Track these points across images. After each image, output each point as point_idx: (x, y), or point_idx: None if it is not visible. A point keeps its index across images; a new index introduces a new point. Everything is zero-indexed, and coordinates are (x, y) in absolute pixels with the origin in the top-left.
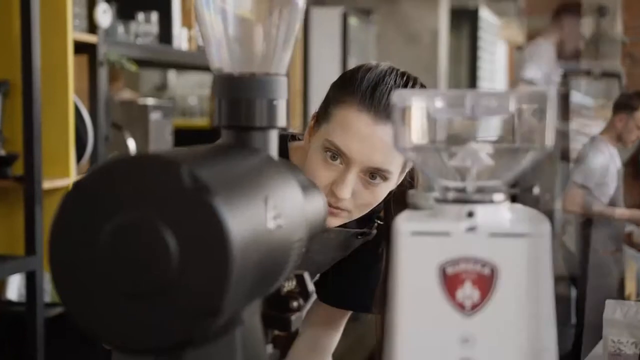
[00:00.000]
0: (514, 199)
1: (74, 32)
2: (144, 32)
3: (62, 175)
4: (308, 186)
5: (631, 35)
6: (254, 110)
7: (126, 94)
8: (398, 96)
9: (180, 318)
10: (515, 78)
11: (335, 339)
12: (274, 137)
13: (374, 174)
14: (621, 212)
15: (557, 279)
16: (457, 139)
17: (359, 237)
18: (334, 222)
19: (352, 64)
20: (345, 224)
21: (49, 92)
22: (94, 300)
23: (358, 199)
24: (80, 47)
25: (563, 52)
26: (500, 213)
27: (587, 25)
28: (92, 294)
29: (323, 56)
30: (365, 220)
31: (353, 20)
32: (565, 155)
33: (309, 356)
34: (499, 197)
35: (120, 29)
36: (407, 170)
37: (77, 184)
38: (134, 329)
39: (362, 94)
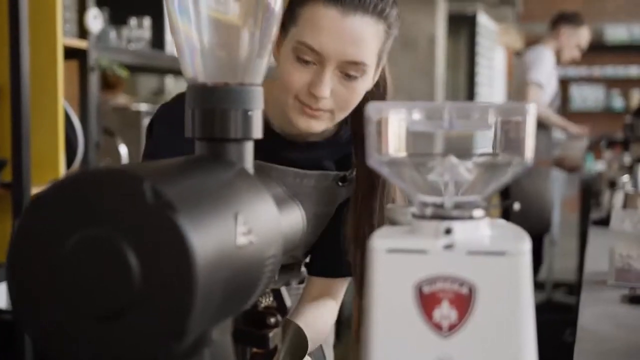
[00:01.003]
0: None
1: (65, 38)
2: (136, 37)
3: (52, 181)
4: (284, 199)
5: None
6: (229, 121)
7: (122, 99)
8: (373, 108)
9: (144, 340)
10: (517, 80)
11: (335, 310)
12: (249, 148)
13: (350, 69)
14: (557, 118)
15: None
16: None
17: (340, 183)
18: (317, 125)
19: None
20: (324, 167)
21: (39, 97)
22: (54, 319)
23: (337, 97)
24: (71, 53)
25: (560, 60)
26: (479, 230)
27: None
28: (52, 313)
29: None
30: (344, 163)
31: None
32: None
33: (308, 332)
34: (478, 212)
35: (113, 34)
36: (382, 65)
37: (37, 198)
38: (94, 351)
39: None
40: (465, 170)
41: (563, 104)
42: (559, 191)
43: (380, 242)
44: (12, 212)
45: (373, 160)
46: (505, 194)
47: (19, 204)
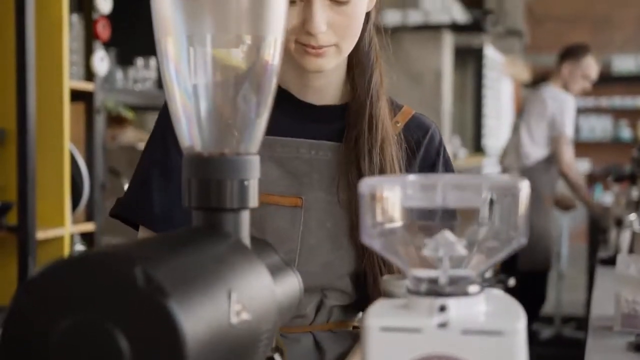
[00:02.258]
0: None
1: (71, 80)
2: (142, 78)
3: (57, 224)
4: (280, 267)
5: None
6: (225, 191)
7: (130, 134)
8: (365, 185)
9: None
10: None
11: None
12: (245, 218)
13: None
14: (582, 189)
15: None
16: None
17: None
18: (327, 62)
19: None
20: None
21: (45, 140)
22: None
23: (335, 27)
24: (78, 95)
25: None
26: (474, 306)
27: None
28: None
29: None
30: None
31: None
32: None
33: None
34: (473, 288)
35: (119, 74)
36: None
37: (28, 282)
38: None
39: None
40: (461, 246)
41: None
42: (566, 223)
43: (374, 320)
44: (18, 256)
45: (366, 235)
46: None
47: (25, 247)
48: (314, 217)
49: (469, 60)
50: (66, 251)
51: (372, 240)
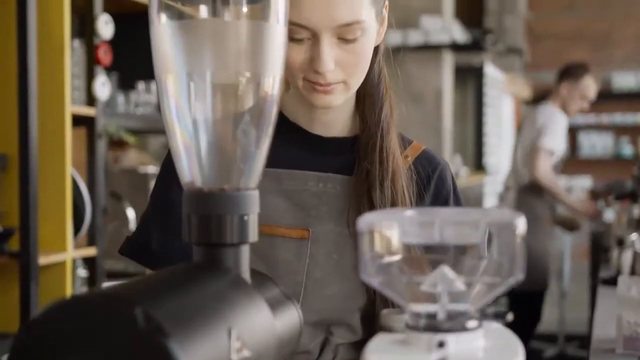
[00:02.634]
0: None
1: (73, 106)
2: (144, 102)
3: (59, 249)
4: (280, 301)
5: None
6: (225, 226)
7: (132, 155)
8: (364, 222)
9: None
10: (527, 137)
11: None
12: (245, 252)
13: (346, 33)
14: (565, 196)
15: None
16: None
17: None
18: (334, 99)
19: None
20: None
21: (47, 166)
22: None
23: (344, 65)
24: (79, 120)
25: (568, 113)
26: (473, 341)
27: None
28: None
29: None
30: None
31: None
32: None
33: None
34: (472, 324)
35: (121, 98)
36: (384, 13)
37: (30, 323)
38: None
39: None
40: (459, 281)
41: (572, 152)
42: (568, 241)
43: (373, 356)
44: (20, 281)
45: (364, 271)
46: None
47: (27, 272)
48: (322, 249)
49: (470, 79)
50: (68, 276)
51: (370, 277)
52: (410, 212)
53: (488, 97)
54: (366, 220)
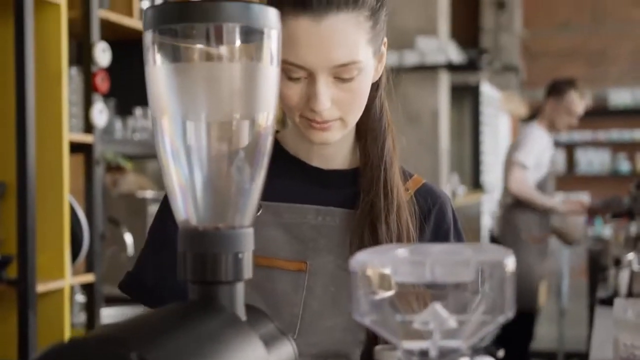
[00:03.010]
0: None
1: (71, 133)
2: (141, 127)
3: (57, 277)
4: (274, 336)
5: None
6: (220, 264)
7: (131, 179)
8: (356, 262)
9: None
10: (509, 158)
11: None
12: (240, 290)
13: (343, 73)
14: (542, 199)
15: None
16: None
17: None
18: (331, 135)
19: None
20: (352, 204)
21: (45, 193)
22: None
23: (340, 103)
24: (77, 147)
25: (557, 129)
26: None
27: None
28: None
29: None
30: None
31: None
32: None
33: None
34: None
35: (118, 124)
36: (382, 50)
37: None
38: None
39: None
40: (451, 319)
41: (569, 168)
42: (566, 259)
43: None
44: (18, 309)
45: (357, 310)
46: None
47: (25, 300)
48: (319, 282)
49: (466, 98)
50: (66, 303)
51: (363, 315)
52: (402, 251)
53: (484, 116)
54: (359, 259)
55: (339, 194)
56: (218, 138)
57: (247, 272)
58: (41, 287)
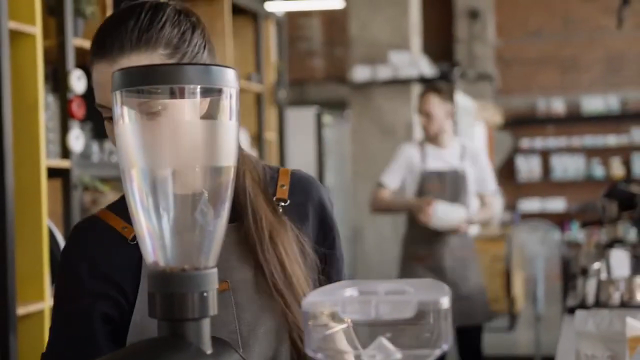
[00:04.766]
0: None
1: (48, 159)
2: None
3: (37, 299)
4: None
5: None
6: (186, 303)
7: (110, 197)
8: (307, 302)
9: None
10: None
11: None
12: (206, 325)
13: (149, 107)
14: (394, 201)
15: None
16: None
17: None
18: None
19: (328, 160)
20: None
21: (23, 218)
22: None
23: None
24: (54, 172)
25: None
26: None
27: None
28: None
29: (299, 154)
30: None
31: (327, 118)
32: None
33: None
34: None
35: (95, 147)
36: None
37: None
38: None
39: (95, 46)
40: (395, 351)
41: (545, 174)
42: (541, 265)
43: None
44: None
45: (309, 347)
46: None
47: (5, 324)
48: (245, 295)
49: None
50: (46, 325)
51: (315, 351)
52: (349, 292)
53: (459, 125)
54: (309, 301)
55: None
56: (182, 186)
57: (213, 308)
58: (21, 310)
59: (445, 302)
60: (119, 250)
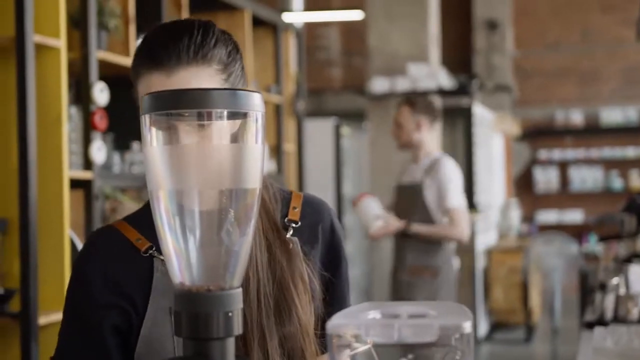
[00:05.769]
0: None
1: (71, 170)
2: (139, 161)
3: (59, 309)
4: None
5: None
6: (212, 323)
7: (128, 206)
8: (332, 324)
9: None
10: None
11: None
12: (230, 344)
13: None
14: (417, 227)
15: None
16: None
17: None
18: None
19: (346, 170)
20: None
21: (46, 228)
22: None
23: None
24: (77, 183)
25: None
26: None
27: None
28: None
29: (317, 165)
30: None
31: (345, 130)
32: None
33: None
34: None
35: (117, 158)
36: None
37: None
38: None
39: (146, 55)
40: None
41: (563, 186)
42: (558, 278)
43: None
44: (21, 342)
45: None
46: None
47: (27, 333)
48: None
49: (459, 119)
50: None
51: None
52: (372, 314)
53: (477, 137)
54: (333, 323)
55: None
56: (208, 208)
57: (237, 328)
58: (43, 320)
59: (467, 326)
60: (131, 262)
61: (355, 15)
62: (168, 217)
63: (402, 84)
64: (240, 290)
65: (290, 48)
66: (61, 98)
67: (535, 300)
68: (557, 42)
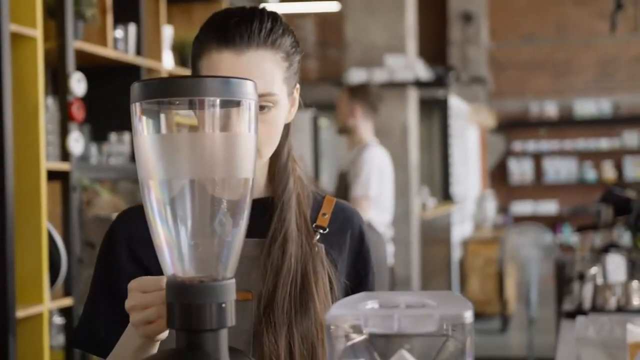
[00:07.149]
0: None
1: (48, 161)
2: (116, 152)
3: (36, 302)
4: None
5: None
6: (204, 314)
7: (105, 198)
8: (330, 315)
9: None
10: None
11: None
12: (224, 336)
13: (260, 101)
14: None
15: None
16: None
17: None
18: None
19: (323, 163)
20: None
21: (23, 220)
22: None
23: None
24: (54, 174)
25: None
26: None
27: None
28: None
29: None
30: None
31: (323, 122)
32: None
33: None
34: None
35: (94, 150)
36: (295, 96)
37: None
38: None
39: (217, 32)
40: None
41: (537, 178)
42: (535, 268)
43: None
44: None
45: (331, 357)
46: None
47: (5, 325)
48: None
49: (435, 111)
50: (45, 327)
51: None
52: (370, 304)
53: (453, 128)
54: (332, 314)
55: (255, 222)
56: (200, 198)
57: (230, 319)
58: (21, 313)
59: (468, 316)
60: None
61: (332, 6)
62: (159, 207)
63: (379, 76)
64: (233, 281)
65: None
66: (38, 88)
67: (511, 290)
68: (532, 34)
